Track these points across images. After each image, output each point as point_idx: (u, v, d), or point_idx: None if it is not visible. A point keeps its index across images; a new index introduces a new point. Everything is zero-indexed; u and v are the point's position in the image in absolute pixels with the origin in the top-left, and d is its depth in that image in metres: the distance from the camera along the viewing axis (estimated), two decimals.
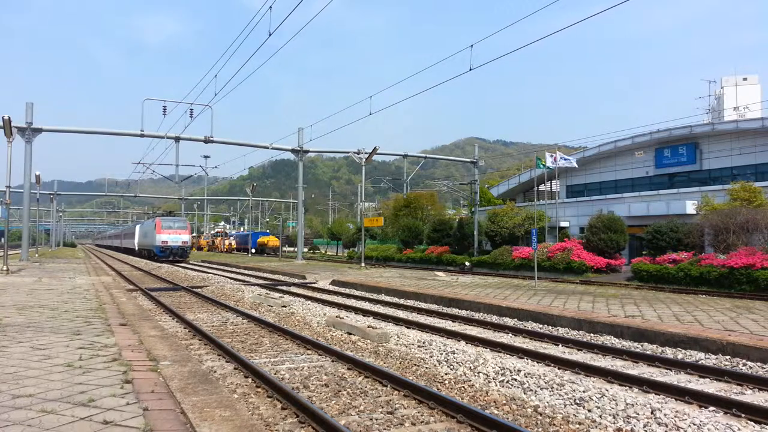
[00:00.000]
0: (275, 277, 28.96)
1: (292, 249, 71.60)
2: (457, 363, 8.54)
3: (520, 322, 13.26)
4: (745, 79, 65.66)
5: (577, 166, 38.47)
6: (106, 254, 69.26)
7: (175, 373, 6.27)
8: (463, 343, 10.47)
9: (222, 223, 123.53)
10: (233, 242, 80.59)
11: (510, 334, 11.74)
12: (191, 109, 32.61)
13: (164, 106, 33.65)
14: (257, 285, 23.11)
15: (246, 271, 34.25)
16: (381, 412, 6.18)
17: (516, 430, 5.28)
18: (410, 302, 17.60)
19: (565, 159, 35.63)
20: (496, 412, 6.26)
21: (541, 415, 6.16)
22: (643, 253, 26.35)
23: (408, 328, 12.30)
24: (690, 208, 30.43)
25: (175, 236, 45.30)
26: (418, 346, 9.85)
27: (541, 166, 34.29)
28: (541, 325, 12.81)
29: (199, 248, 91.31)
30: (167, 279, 26.81)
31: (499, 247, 33.69)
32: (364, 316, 14.31)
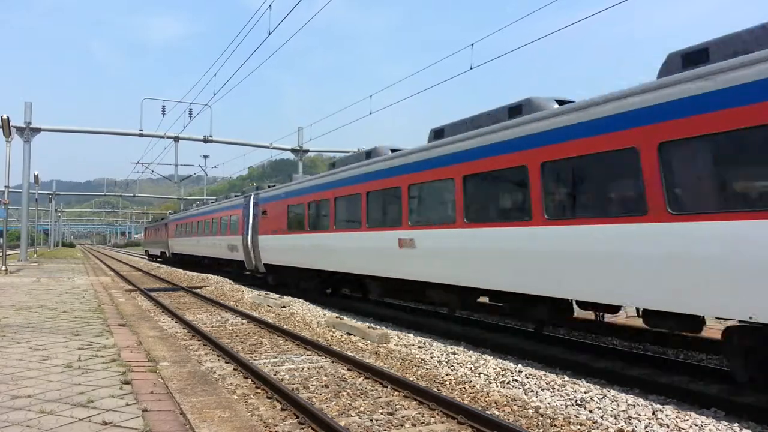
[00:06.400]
0: None
1: None
2: (458, 364, 8.52)
3: None
4: None
5: None
6: (106, 255, 69.01)
7: (175, 374, 6.24)
8: (463, 343, 10.45)
9: None
10: None
11: None
12: (190, 109, 32.50)
13: (163, 106, 33.53)
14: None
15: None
16: (381, 413, 6.16)
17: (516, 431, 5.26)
18: None
19: None
20: (497, 413, 6.24)
21: (542, 416, 6.14)
22: None
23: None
24: None
25: None
26: (419, 347, 9.82)
27: None
28: None
29: None
30: (166, 279, 26.78)
31: None
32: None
